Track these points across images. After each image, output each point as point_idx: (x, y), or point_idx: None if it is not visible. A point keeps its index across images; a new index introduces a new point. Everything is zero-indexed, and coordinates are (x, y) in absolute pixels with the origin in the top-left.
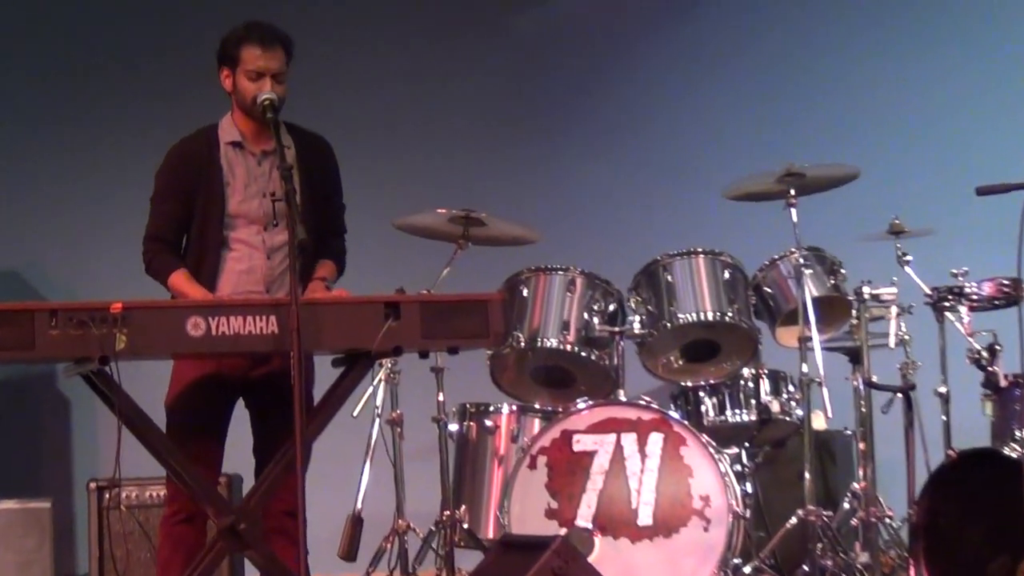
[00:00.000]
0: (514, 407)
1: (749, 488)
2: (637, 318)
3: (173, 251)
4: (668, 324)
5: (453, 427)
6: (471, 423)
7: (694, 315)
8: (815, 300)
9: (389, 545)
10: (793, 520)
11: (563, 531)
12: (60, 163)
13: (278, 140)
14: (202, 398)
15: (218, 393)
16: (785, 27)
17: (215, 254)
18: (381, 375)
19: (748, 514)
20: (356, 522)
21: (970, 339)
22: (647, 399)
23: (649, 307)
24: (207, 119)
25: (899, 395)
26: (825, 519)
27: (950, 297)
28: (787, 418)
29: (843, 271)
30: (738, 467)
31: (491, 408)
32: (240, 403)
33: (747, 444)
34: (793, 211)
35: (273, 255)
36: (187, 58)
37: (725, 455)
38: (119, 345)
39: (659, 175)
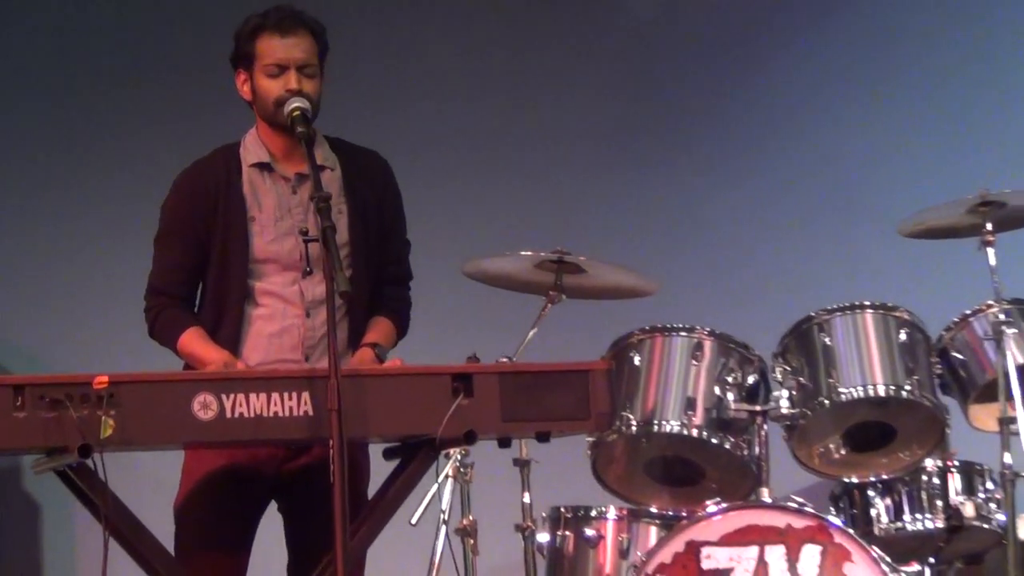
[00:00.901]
0: (623, 511)
1: None
2: (785, 393)
3: (184, 307)
4: (826, 401)
5: (543, 538)
6: (567, 532)
7: (860, 390)
8: (1020, 369)
9: None
10: None
11: None
12: (25, 205)
13: (311, 159)
14: (222, 500)
15: (243, 493)
16: (980, 23)
17: (237, 312)
18: (448, 470)
19: None
20: None
21: None
22: (799, 500)
23: (801, 379)
24: (202, 150)
25: None
26: None
27: None
28: (985, 525)
29: None
30: None
31: (593, 512)
32: (273, 506)
33: (932, 559)
34: (990, 251)
35: (314, 312)
36: (175, 82)
37: (903, 573)
38: (105, 431)
39: (812, 206)
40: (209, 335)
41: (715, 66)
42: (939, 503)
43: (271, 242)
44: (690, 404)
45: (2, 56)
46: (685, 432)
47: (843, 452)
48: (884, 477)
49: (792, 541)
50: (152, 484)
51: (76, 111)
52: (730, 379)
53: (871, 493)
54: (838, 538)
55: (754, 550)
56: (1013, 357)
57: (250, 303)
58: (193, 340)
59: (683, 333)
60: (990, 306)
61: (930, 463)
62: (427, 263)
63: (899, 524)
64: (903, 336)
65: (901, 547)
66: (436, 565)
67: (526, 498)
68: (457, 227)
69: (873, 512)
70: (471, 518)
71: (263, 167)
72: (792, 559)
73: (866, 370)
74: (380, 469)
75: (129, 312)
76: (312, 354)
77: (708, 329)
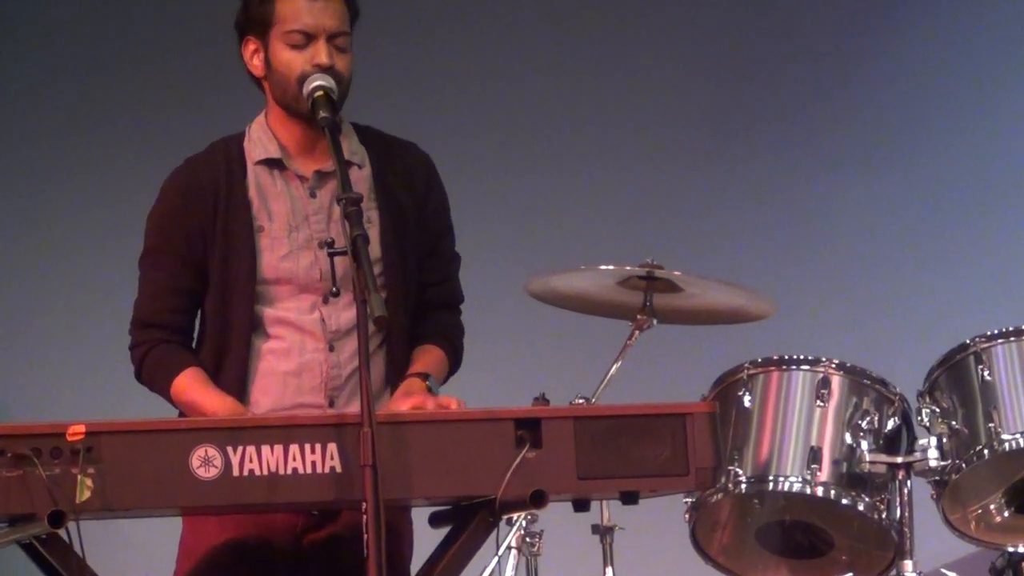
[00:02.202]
0: None
1: None
2: (933, 441)
3: (179, 342)
4: (986, 451)
5: None
6: None
7: None
8: None
9: None
10: None
11: None
12: None
13: (337, 152)
14: None
15: (255, 571)
16: None
17: (243, 345)
18: (511, 540)
19: None
20: None
21: None
22: (952, 575)
23: (953, 423)
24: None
25: None
26: None
27: None
28: None
29: None
30: None
31: None
32: None
33: None
34: None
35: (339, 344)
36: (159, 69)
37: None
38: (82, 494)
39: (964, 209)
40: (210, 375)
41: (842, 33)
42: None
43: (284, 258)
44: (814, 456)
45: None
46: (808, 490)
47: (1006, 514)
48: None
49: None
50: (141, 560)
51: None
52: (864, 424)
53: None
54: None
55: None
56: None
57: (259, 334)
58: (191, 384)
59: (805, 367)
60: None
61: None
62: (482, 281)
63: None
64: None
65: None
66: None
67: (608, 574)
68: (519, 236)
69: None
70: None
71: (273, 164)
72: None
73: None
74: (426, 539)
75: (110, 349)
76: (337, 397)
77: (836, 361)
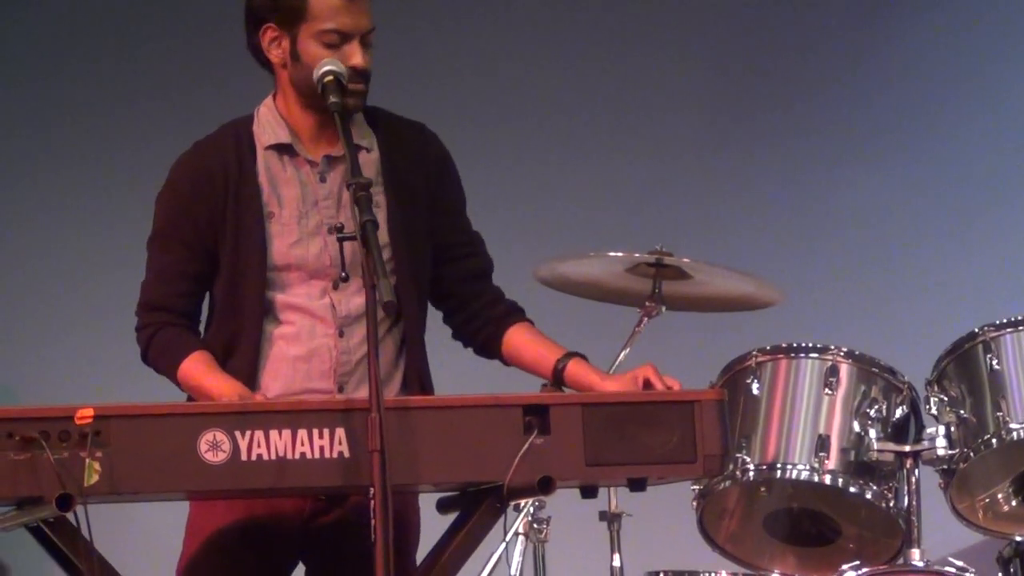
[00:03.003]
0: None
1: None
2: (941, 430)
3: (186, 326)
4: (994, 440)
5: None
6: None
7: None
8: None
9: None
10: None
11: None
12: None
13: (346, 136)
14: (236, 564)
15: (263, 556)
16: None
17: (254, 331)
18: (518, 526)
19: None
20: None
21: None
22: (959, 564)
23: (961, 412)
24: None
25: None
26: None
27: None
28: None
29: None
30: None
31: None
32: (300, 570)
33: None
34: None
35: (348, 330)
36: (169, 51)
37: None
38: (90, 478)
39: (972, 197)
40: (220, 361)
41: (851, 23)
42: None
43: (294, 244)
44: (822, 444)
45: None
46: (816, 478)
47: (1014, 503)
48: None
49: None
50: (148, 544)
51: (38, 93)
52: (872, 412)
53: None
54: None
55: None
56: None
57: (270, 320)
58: (198, 368)
59: (813, 355)
60: None
61: None
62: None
63: None
64: None
65: None
66: None
67: (616, 561)
68: (528, 222)
69: None
70: None
71: (282, 149)
72: None
73: None
74: (433, 525)
75: (119, 332)
76: (347, 382)
77: (845, 349)
